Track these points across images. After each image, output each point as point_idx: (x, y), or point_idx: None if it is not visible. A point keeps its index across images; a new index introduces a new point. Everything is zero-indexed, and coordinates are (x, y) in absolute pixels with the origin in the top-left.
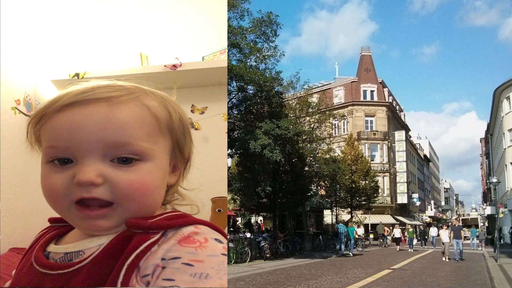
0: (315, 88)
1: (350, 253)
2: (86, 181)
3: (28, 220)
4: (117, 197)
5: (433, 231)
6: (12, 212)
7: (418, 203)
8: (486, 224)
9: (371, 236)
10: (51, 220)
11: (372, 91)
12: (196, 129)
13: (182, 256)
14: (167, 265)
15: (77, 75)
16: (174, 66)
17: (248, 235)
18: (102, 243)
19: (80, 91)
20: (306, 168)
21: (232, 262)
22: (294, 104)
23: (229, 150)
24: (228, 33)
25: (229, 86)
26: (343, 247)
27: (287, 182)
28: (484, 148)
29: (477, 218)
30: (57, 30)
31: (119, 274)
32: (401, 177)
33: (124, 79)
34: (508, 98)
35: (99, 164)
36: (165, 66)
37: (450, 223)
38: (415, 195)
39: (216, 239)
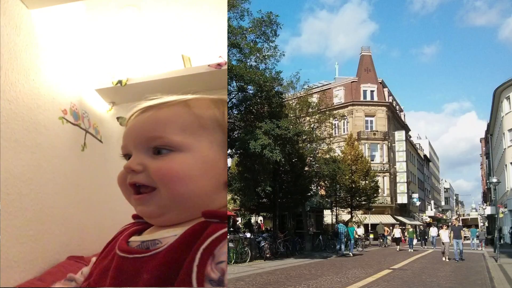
0: (315, 88)
1: (350, 253)
2: (127, 168)
3: (84, 228)
4: (152, 182)
5: (433, 231)
6: (68, 221)
7: (418, 203)
8: (486, 224)
9: (371, 236)
10: (134, 217)
11: (372, 91)
12: None
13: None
14: None
15: (119, 82)
16: (219, 65)
17: (248, 235)
18: (177, 234)
19: (145, 104)
20: (306, 168)
21: (232, 262)
22: (294, 104)
23: (229, 150)
24: (228, 33)
25: (229, 86)
26: (343, 247)
27: (287, 182)
28: (484, 148)
29: (477, 218)
30: (98, 39)
31: (195, 258)
32: (401, 177)
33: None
34: (508, 98)
35: (141, 155)
36: (209, 66)
37: (450, 223)
38: (415, 195)
39: None
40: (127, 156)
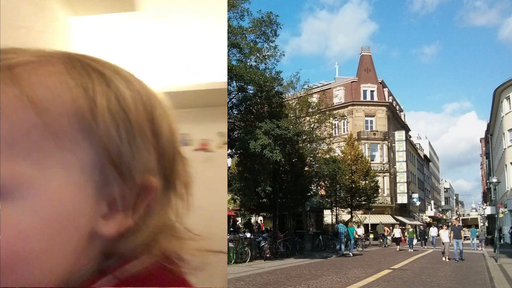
0: (315, 88)
1: (350, 253)
2: None
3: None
4: None
5: (433, 231)
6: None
7: (418, 203)
8: (486, 224)
9: (371, 236)
10: None
11: (372, 91)
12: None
13: None
14: None
15: None
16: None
17: (248, 235)
18: None
19: None
20: (306, 168)
21: (232, 262)
22: (294, 104)
23: (229, 150)
24: (228, 33)
25: (229, 86)
26: (343, 247)
27: (287, 182)
28: (484, 148)
29: (477, 218)
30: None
31: None
32: (401, 177)
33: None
34: (508, 98)
35: None
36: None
37: (450, 223)
38: (415, 195)
39: None
40: None
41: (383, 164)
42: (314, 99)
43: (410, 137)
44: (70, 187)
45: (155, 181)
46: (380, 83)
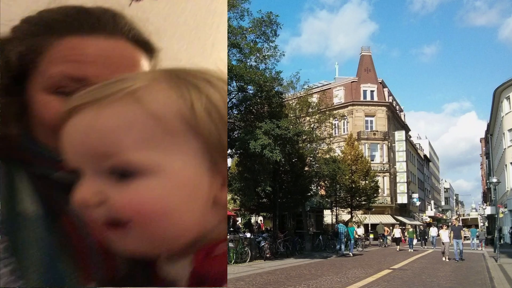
0: (315, 88)
1: (350, 253)
2: (81, 200)
3: None
4: (121, 217)
5: (433, 231)
6: None
7: (418, 203)
8: (486, 224)
9: (371, 236)
10: None
11: (372, 91)
12: None
13: None
14: None
15: None
16: None
17: (248, 235)
18: (186, 271)
19: (81, 93)
20: (306, 168)
21: (232, 262)
22: (294, 104)
23: (229, 150)
24: (228, 33)
25: (229, 86)
26: (343, 247)
27: (287, 182)
28: (484, 148)
29: (477, 218)
30: None
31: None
32: (401, 177)
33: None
34: (508, 98)
35: (96, 179)
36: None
37: (450, 223)
38: (415, 195)
39: None
40: (69, 172)
41: (383, 164)
42: (314, 99)
43: (410, 137)
44: (189, 167)
45: None
46: (380, 83)
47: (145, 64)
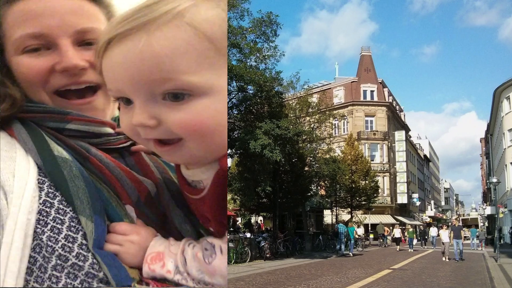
0: (315, 88)
1: (350, 253)
2: (139, 124)
3: None
4: (176, 135)
5: (433, 231)
6: None
7: (418, 203)
8: (486, 224)
9: (371, 236)
10: None
11: (372, 91)
12: None
13: None
14: None
15: None
16: None
17: (248, 235)
18: (210, 174)
19: (118, 22)
20: (306, 168)
21: (232, 262)
22: (294, 104)
23: (229, 150)
24: (228, 33)
25: (229, 86)
26: (343, 247)
27: (287, 182)
28: (484, 148)
29: (477, 218)
30: None
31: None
32: (401, 177)
33: None
34: (508, 98)
35: (150, 104)
36: None
37: (450, 223)
38: (415, 195)
39: None
40: (122, 99)
41: (383, 164)
42: (314, 99)
43: (410, 137)
44: (225, 84)
45: None
46: (380, 83)
47: (102, 18)
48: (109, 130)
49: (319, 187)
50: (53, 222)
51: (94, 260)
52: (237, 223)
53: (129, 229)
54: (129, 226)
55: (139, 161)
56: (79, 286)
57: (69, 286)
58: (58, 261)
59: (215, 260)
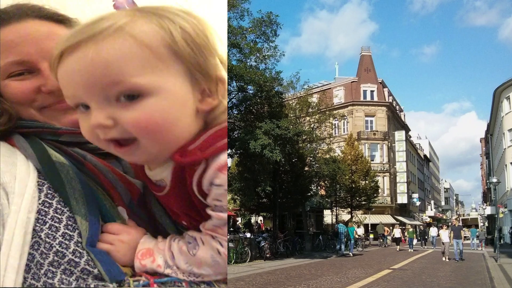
0: (315, 88)
1: (350, 253)
2: (96, 125)
3: None
4: (131, 134)
5: (433, 231)
6: None
7: (418, 203)
8: (486, 224)
9: (371, 236)
10: None
11: (372, 91)
12: None
13: (224, 184)
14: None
15: None
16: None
17: (248, 235)
18: (169, 171)
19: (67, 37)
20: (306, 168)
21: (232, 262)
22: (294, 104)
23: (229, 150)
24: (228, 33)
25: (229, 86)
26: (343, 247)
27: (287, 182)
28: (484, 148)
29: (477, 218)
30: None
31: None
32: (401, 177)
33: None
34: (508, 98)
35: (105, 106)
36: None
37: (450, 223)
38: (415, 195)
39: None
40: (79, 106)
41: (383, 164)
42: (314, 99)
43: (410, 137)
44: (177, 86)
45: (224, 74)
46: (380, 83)
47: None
48: None
49: (319, 187)
50: (52, 221)
51: (89, 257)
52: (237, 223)
53: (120, 229)
54: (121, 226)
55: (135, 164)
56: (74, 282)
57: (64, 281)
58: (55, 257)
59: (198, 251)
